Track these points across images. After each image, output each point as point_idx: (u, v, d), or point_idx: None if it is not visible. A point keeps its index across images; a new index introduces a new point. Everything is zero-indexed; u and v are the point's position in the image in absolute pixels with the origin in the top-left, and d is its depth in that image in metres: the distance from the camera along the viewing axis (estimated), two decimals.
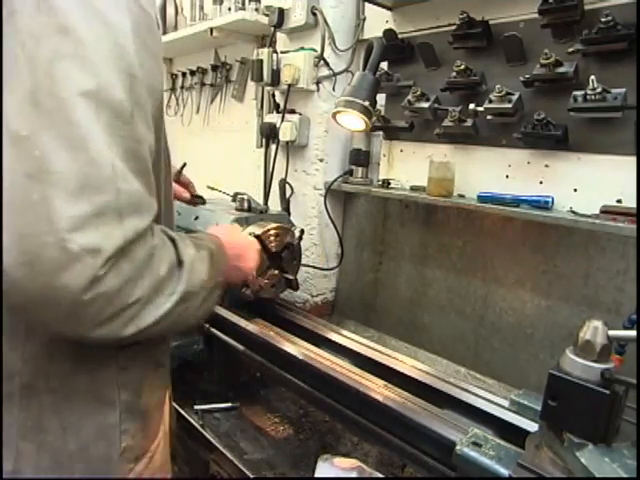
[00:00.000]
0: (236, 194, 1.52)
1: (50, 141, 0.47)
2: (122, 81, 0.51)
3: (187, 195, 1.12)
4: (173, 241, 0.62)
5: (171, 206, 0.78)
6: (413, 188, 1.47)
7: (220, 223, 1.35)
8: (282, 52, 1.72)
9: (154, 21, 0.58)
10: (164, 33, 2.36)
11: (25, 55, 0.48)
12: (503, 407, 0.95)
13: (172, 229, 0.76)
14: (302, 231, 1.44)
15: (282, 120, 1.70)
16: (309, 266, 1.70)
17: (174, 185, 1.03)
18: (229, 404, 1.38)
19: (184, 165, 1.13)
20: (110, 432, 0.66)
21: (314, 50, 1.60)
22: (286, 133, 1.66)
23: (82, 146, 0.48)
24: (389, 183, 1.53)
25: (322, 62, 1.61)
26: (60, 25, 0.48)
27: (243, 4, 1.99)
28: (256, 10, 1.90)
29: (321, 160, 1.69)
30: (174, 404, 1.36)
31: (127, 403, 0.68)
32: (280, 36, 1.78)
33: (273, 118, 1.79)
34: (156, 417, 0.76)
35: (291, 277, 1.42)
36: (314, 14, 1.58)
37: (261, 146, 1.89)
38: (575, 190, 1.18)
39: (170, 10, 2.47)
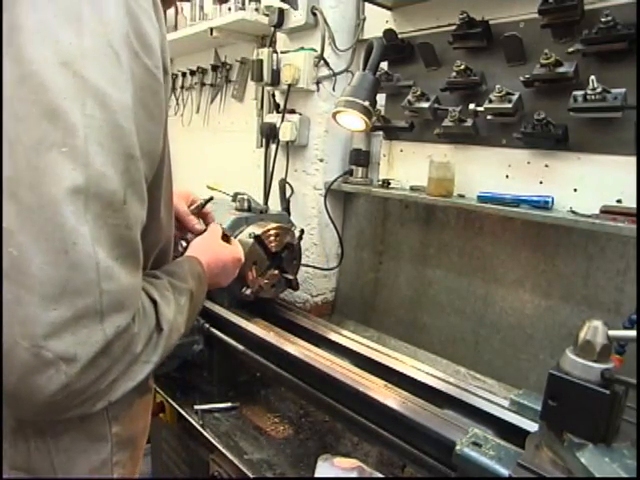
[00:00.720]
0: (236, 194, 1.52)
1: (29, 241, 0.43)
2: (116, 167, 0.47)
3: (202, 227, 1.02)
4: (155, 304, 0.60)
5: (171, 214, 0.76)
6: (413, 188, 1.47)
7: (220, 223, 1.35)
8: (282, 52, 1.72)
9: (159, 82, 0.54)
10: None
11: (7, 138, 0.42)
12: (503, 407, 0.95)
13: (170, 237, 0.75)
14: (302, 231, 1.44)
15: (282, 120, 1.70)
16: (309, 266, 1.70)
17: (190, 217, 0.99)
18: (229, 404, 1.38)
19: (210, 199, 1.08)
20: (103, 468, 0.64)
21: (314, 50, 1.60)
22: (286, 133, 1.66)
23: (64, 249, 0.44)
24: (389, 183, 1.53)
25: (322, 62, 1.61)
26: (48, 107, 0.43)
27: (243, 4, 1.99)
28: (256, 10, 1.90)
29: (321, 160, 1.69)
30: (174, 404, 1.37)
31: (118, 436, 0.65)
32: (280, 36, 1.78)
33: (273, 118, 1.79)
34: (142, 442, 0.74)
35: (291, 277, 1.42)
36: (314, 14, 1.58)
37: (261, 146, 1.89)
38: (575, 190, 1.18)
39: (170, 10, 2.46)
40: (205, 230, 1.00)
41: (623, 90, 1.02)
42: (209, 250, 0.91)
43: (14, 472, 0.59)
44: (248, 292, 1.33)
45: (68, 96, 0.44)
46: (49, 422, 0.59)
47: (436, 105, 1.38)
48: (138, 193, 0.52)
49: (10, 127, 0.43)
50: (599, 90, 1.02)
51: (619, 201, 1.10)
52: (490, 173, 1.34)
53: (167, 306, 0.62)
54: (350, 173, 1.68)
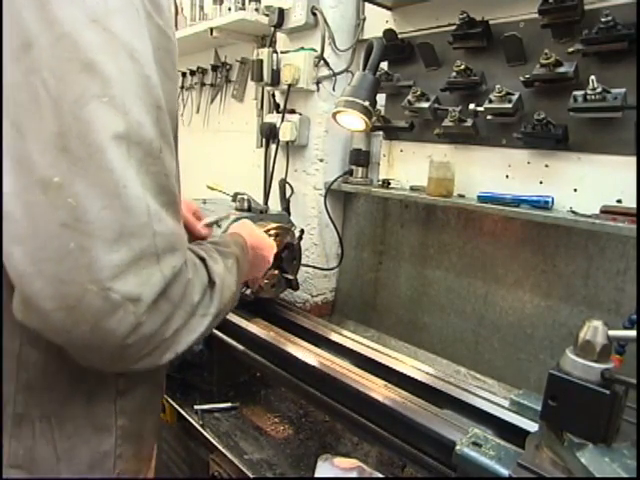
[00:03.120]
0: (236, 194, 1.52)
1: (84, 189, 0.45)
2: (150, 116, 0.50)
3: (207, 232, 1.02)
4: (203, 261, 0.62)
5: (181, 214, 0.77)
6: (413, 188, 1.47)
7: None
8: (282, 52, 1.72)
9: (172, 41, 0.56)
10: None
11: (49, 96, 0.44)
12: (503, 407, 0.95)
13: None
14: (302, 231, 1.44)
15: (282, 120, 1.70)
16: (309, 266, 1.70)
17: (196, 223, 1.00)
18: (229, 404, 1.38)
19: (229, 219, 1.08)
20: (105, 459, 0.64)
21: (314, 50, 1.60)
22: (286, 133, 1.66)
23: (117, 193, 0.46)
24: (389, 183, 1.53)
25: (322, 62, 1.61)
26: (84, 62, 0.45)
27: (243, 4, 1.99)
28: (256, 10, 1.90)
29: (321, 160, 1.69)
30: (174, 404, 1.37)
31: (124, 429, 0.66)
32: (280, 36, 1.78)
33: (273, 118, 1.79)
34: (150, 441, 0.74)
35: (291, 277, 1.42)
36: (314, 14, 1.58)
37: (261, 146, 1.89)
38: (575, 190, 1.18)
39: (171, 9, 2.46)
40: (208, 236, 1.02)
41: (623, 90, 1.02)
42: (249, 233, 0.90)
43: (14, 470, 0.59)
44: (248, 292, 1.33)
45: (101, 51, 0.46)
46: (54, 406, 0.60)
47: (436, 105, 1.38)
48: (169, 144, 0.54)
49: (52, 86, 0.44)
50: (599, 90, 1.02)
51: (619, 201, 1.10)
52: (490, 173, 1.34)
53: (215, 263, 0.64)
54: (350, 173, 1.68)
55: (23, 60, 0.44)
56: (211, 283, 0.61)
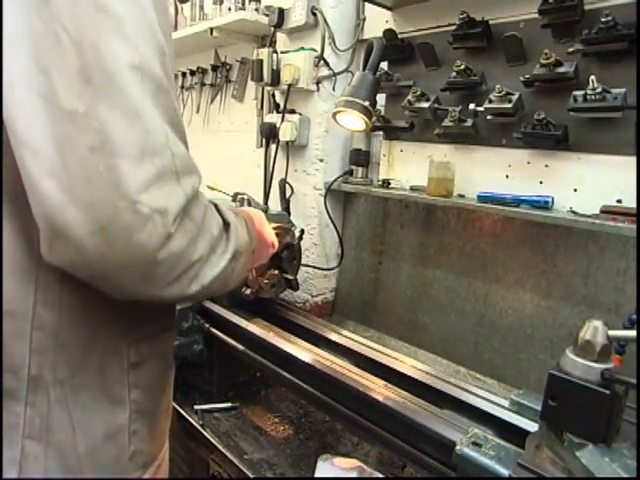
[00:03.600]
0: (236, 194, 1.52)
1: (107, 113, 0.49)
2: (157, 57, 0.53)
3: None
4: (215, 205, 0.65)
5: None
6: (413, 188, 1.47)
7: None
8: (282, 52, 1.72)
9: (167, 2, 0.60)
10: None
11: (70, 38, 0.48)
12: (503, 407, 0.95)
13: None
14: (302, 231, 1.44)
15: (282, 120, 1.70)
16: (309, 266, 1.70)
17: None
18: (229, 404, 1.38)
19: None
20: (119, 433, 0.65)
21: (314, 50, 1.60)
22: (286, 133, 1.66)
23: (137, 115, 0.50)
24: (389, 183, 1.53)
25: (322, 62, 1.61)
26: (99, 5, 0.49)
27: (243, 4, 1.99)
28: (256, 10, 1.90)
29: (321, 160, 1.69)
30: (174, 404, 1.37)
31: (137, 403, 0.67)
32: (280, 36, 1.78)
33: (273, 118, 1.79)
34: (163, 422, 0.74)
35: (291, 277, 1.42)
36: (314, 14, 1.58)
37: (261, 146, 1.89)
38: (575, 190, 1.18)
39: (170, 10, 2.46)
40: None
41: (623, 90, 1.02)
42: (262, 221, 0.93)
43: (30, 442, 0.59)
44: (248, 292, 1.33)
45: None
46: (68, 371, 0.60)
47: (436, 105, 1.38)
48: (173, 89, 0.57)
49: (72, 29, 0.48)
50: (599, 90, 1.02)
51: (619, 201, 1.10)
52: (490, 173, 1.34)
53: (227, 210, 0.68)
54: (350, 173, 1.68)
55: (44, 11, 0.48)
56: (226, 224, 0.65)
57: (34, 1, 0.49)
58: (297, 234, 1.43)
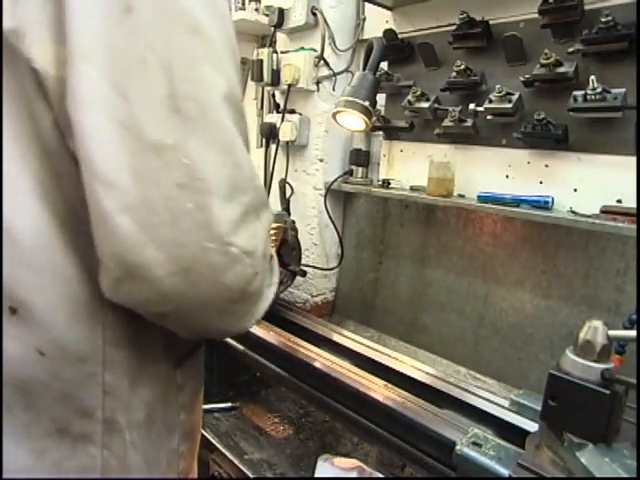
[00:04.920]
0: None
1: (200, 148, 0.45)
2: (237, 74, 0.51)
3: None
4: None
5: None
6: (413, 188, 1.47)
7: None
8: (282, 52, 1.72)
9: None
10: None
11: (157, 58, 0.44)
12: (503, 407, 0.95)
13: None
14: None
15: (282, 120, 1.70)
16: (309, 266, 1.70)
17: None
18: (229, 404, 1.38)
19: None
20: (174, 457, 0.64)
21: (314, 50, 1.60)
22: (286, 133, 1.66)
23: (229, 149, 0.47)
24: (389, 183, 1.53)
25: (322, 62, 1.61)
26: (190, 24, 0.45)
27: (243, 4, 1.99)
28: (256, 10, 1.90)
29: (321, 160, 1.69)
30: None
31: (184, 424, 0.65)
32: (280, 36, 1.78)
33: (273, 118, 1.79)
34: (198, 437, 0.73)
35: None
36: (314, 14, 1.58)
37: (261, 146, 1.89)
38: (575, 190, 1.18)
39: None
40: None
41: (623, 90, 1.02)
42: None
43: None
44: None
45: (202, 11, 0.46)
46: (140, 412, 0.57)
47: (436, 105, 1.38)
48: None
49: (159, 48, 0.44)
50: (599, 90, 1.02)
51: (619, 201, 1.10)
52: (490, 173, 1.34)
53: None
54: (350, 173, 1.68)
55: (124, 23, 0.43)
56: (270, 256, 0.62)
57: (113, 9, 0.43)
58: (288, 228, 1.43)
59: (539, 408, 0.70)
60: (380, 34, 1.44)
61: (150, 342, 0.58)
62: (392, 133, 1.59)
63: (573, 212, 1.15)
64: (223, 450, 1.20)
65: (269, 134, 1.77)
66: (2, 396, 0.53)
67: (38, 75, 0.44)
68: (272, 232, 1.35)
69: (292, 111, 1.72)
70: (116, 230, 0.44)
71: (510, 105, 1.17)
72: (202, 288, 0.47)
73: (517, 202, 1.20)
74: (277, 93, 1.84)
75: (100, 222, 0.45)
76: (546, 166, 1.23)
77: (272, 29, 1.70)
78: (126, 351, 0.55)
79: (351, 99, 1.31)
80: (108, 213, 0.43)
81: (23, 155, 0.46)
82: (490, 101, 1.21)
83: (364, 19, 1.62)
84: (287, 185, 1.75)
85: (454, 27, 1.28)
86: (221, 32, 0.48)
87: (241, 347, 1.27)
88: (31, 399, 0.50)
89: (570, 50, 1.10)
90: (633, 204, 1.06)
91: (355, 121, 1.36)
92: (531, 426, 0.85)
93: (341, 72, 1.65)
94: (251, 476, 1.12)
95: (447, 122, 1.33)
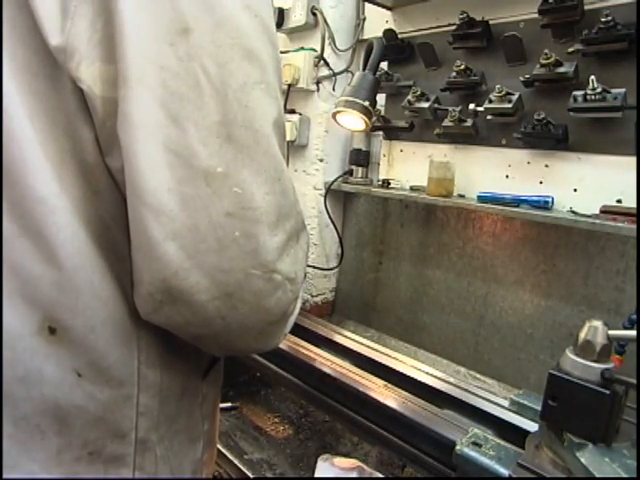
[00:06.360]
0: None
1: (250, 177, 0.45)
2: (282, 98, 0.51)
3: None
4: None
5: None
6: (413, 188, 1.47)
7: None
8: (282, 52, 1.72)
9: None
10: None
11: (211, 83, 0.43)
12: (503, 407, 0.95)
13: None
14: None
15: None
16: (309, 266, 1.70)
17: None
18: (229, 404, 1.38)
19: None
20: (197, 466, 0.63)
21: (314, 50, 1.60)
22: (286, 133, 1.66)
23: (278, 177, 0.47)
24: (389, 183, 1.53)
25: (322, 62, 1.61)
26: (246, 48, 0.45)
27: None
28: None
29: (321, 160, 1.69)
30: None
31: (207, 433, 0.65)
32: (280, 36, 1.78)
33: None
34: (216, 440, 0.73)
35: None
36: (314, 14, 1.58)
37: None
38: (575, 190, 1.18)
39: None
40: None
41: (623, 90, 1.02)
42: None
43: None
44: None
45: (256, 37, 0.46)
46: (167, 427, 0.57)
47: (436, 105, 1.38)
48: None
49: (214, 73, 0.43)
50: (599, 90, 1.02)
51: (619, 201, 1.10)
52: (490, 173, 1.34)
53: None
54: (350, 173, 1.68)
55: (179, 45, 0.42)
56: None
57: (169, 31, 0.41)
58: None
59: (539, 408, 0.70)
60: (380, 34, 1.44)
61: (181, 359, 0.57)
62: (392, 133, 1.59)
63: (573, 212, 1.15)
64: (223, 450, 1.20)
65: None
66: (2, 395, 0.53)
67: (84, 94, 0.43)
68: None
69: (292, 111, 1.72)
70: (162, 257, 0.43)
71: (510, 105, 1.17)
72: (243, 312, 0.47)
73: (517, 202, 1.20)
74: None
75: (145, 248, 0.44)
76: (546, 166, 1.23)
77: None
78: (158, 370, 0.55)
79: (351, 99, 1.31)
80: (155, 239, 0.43)
81: (60, 174, 0.44)
82: (490, 101, 1.21)
83: (364, 19, 1.62)
84: None
85: (454, 27, 1.28)
86: (272, 57, 0.48)
87: None
88: (65, 423, 0.49)
89: (570, 50, 1.10)
90: (633, 204, 1.06)
91: (355, 121, 1.36)
92: (531, 426, 0.85)
93: (341, 72, 1.65)
94: (251, 476, 1.12)
95: (447, 122, 1.33)
